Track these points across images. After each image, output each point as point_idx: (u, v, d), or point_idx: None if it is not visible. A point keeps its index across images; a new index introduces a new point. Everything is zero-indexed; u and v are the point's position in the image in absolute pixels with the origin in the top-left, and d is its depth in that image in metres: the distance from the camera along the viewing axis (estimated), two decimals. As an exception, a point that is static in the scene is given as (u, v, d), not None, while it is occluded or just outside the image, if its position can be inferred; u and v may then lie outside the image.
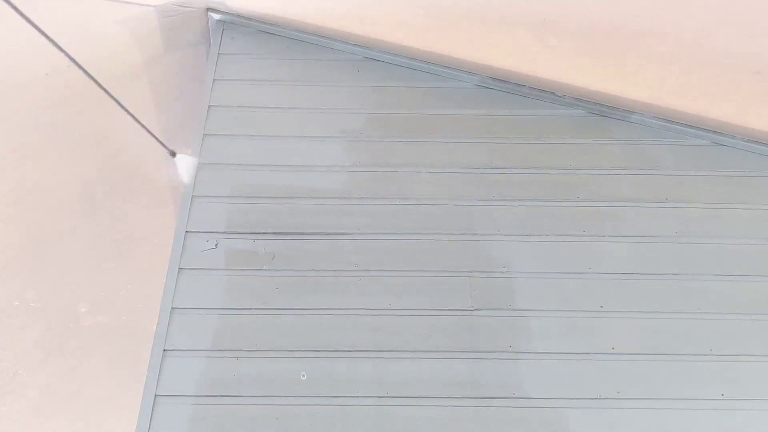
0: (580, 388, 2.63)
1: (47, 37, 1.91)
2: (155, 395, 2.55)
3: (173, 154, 3.09)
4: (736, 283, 2.86)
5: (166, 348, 2.64)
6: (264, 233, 2.91)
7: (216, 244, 2.86)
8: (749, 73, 2.78)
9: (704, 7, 2.51)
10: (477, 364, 2.67)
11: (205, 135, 3.15)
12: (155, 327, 2.70)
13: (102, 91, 2.18)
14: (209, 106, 3.24)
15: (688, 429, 2.56)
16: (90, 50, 3.43)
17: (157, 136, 2.90)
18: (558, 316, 2.77)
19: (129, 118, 3.13)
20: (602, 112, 3.29)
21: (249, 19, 3.50)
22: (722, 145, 3.20)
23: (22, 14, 1.86)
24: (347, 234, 2.94)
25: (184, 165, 3.05)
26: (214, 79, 3.32)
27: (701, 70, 2.86)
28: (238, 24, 3.52)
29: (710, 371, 2.67)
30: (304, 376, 2.62)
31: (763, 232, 2.96)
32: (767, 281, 2.87)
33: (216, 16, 3.51)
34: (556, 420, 2.57)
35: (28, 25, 3.25)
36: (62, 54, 3.46)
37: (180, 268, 2.81)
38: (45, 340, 3.98)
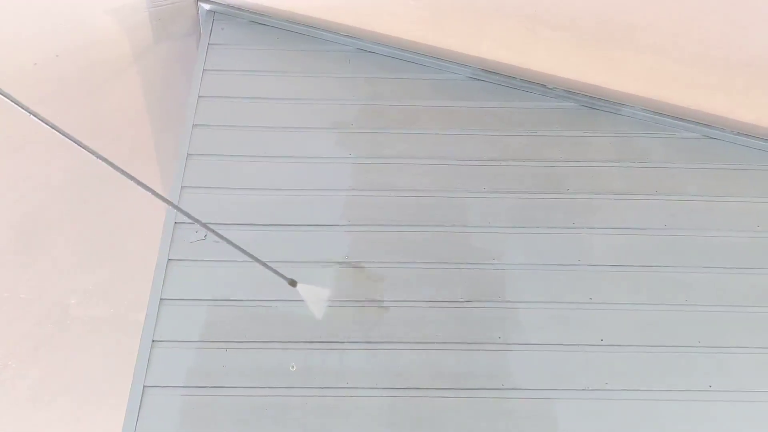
0: (569, 379, 2.64)
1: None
2: (144, 386, 2.55)
3: (293, 284, 2.62)
4: (725, 276, 2.87)
5: (155, 339, 2.64)
6: (253, 224, 2.90)
7: (205, 235, 2.86)
8: (740, 65, 2.79)
9: (696, -2, 2.51)
10: (467, 355, 2.68)
11: (194, 126, 3.13)
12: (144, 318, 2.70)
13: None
14: (199, 97, 3.22)
15: (675, 420, 2.58)
16: (79, 40, 3.41)
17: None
18: (547, 308, 2.78)
19: (120, 110, 3.12)
20: (593, 104, 3.29)
21: (240, 9, 3.48)
22: (712, 138, 3.21)
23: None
24: (337, 225, 2.94)
25: (310, 296, 2.73)
26: (204, 70, 3.30)
27: (692, 62, 2.87)
28: (228, 14, 3.49)
29: (698, 363, 2.69)
30: (293, 367, 2.62)
31: (752, 225, 2.98)
32: (755, 273, 2.88)
33: (206, 7, 3.49)
34: (544, 410, 2.58)
35: (16, 15, 3.24)
36: (52, 46, 3.45)
37: (169, 259, 2.80)
38: (35, 332, 3.97)
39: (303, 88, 3.30)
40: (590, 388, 2.63)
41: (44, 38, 3.44)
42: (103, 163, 1.80)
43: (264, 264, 2.47)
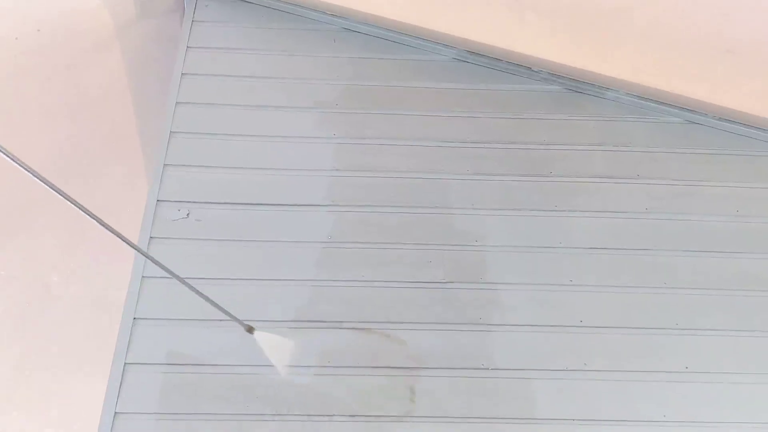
0: (548, 360, 2.67)
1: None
2: (125, 363, 2.55)
3: (250, 330, 2.48)
4: (703, 259, 2.90)
5: (136, 316, 2.64)
6: (237, 203, 2.89)
7: (188, 214, 2.85)
8: (722, 52, 2.80)
9: (681, -16, 2.52)
10: (448, 335, 2.70)
11: (177, 103, 3.11)
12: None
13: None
14: (182, 74, 3.19)
15: (652, 400, 2.62)
16: (61, 15, 3.36)
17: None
18: (528, 290, 2.80)
19: (102, 87, 3.08)
20: (577, 88, 3.29)
21: (224, -14, 3.45)
22: (695, 123, 3.22)
23: None
24: (321, 205, 2.93)
25: (269, 345, 2.54)
26: (187, 47, 3.27)
27: (676, 48, 2.88)
28: (213, -9, 3.46)
29: (675, 344, 2.73)
30: (275, 347, 2.63)
31: (731, 210, 3.01)
32: (734, 257, 2.92)
33: (191, -17, 3.45)
34: (524, 390, 2.61)
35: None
36: (34, 21, 3.40)
37: (151, 237, 2.79)
38: (16, 310, 3.94)
39: (287, 66, 3.28)
40: (569, 369, 2.66)
41: (26, 13, 3.40)
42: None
43: (222, 309, 2.34)
